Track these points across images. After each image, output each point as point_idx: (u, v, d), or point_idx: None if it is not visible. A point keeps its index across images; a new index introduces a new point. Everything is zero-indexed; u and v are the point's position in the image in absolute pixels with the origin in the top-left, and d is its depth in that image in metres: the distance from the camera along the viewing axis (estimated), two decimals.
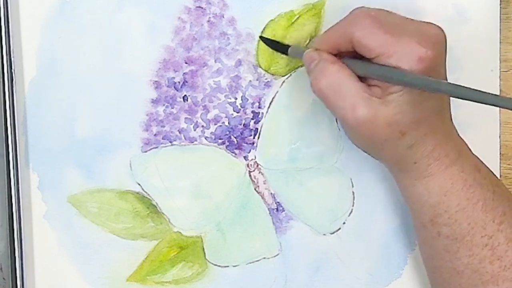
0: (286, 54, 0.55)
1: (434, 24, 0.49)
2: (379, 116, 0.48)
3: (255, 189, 0.59)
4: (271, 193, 0.59)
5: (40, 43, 0.56)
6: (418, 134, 0.49)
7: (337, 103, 0.49)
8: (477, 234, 0.50)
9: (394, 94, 0.48)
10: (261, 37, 0.57)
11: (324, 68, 0.50)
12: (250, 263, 0.59)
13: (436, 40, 0.48)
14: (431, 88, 0.46)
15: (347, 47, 0.50)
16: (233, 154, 0.58)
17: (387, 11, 0.50)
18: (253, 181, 0.59)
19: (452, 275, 0.52)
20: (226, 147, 0.58)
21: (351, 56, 0.50)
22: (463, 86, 0.44)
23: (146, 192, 0.57)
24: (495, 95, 0.43)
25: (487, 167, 0.53)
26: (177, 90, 0.57)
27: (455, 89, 0.45)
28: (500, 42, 0.60)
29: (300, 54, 0.53)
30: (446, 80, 0.51)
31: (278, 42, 0.56)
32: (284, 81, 0.58)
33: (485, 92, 0.43)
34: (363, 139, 0.51)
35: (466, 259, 0.51)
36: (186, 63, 0.57)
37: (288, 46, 0.55)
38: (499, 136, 0.60)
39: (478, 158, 0.52)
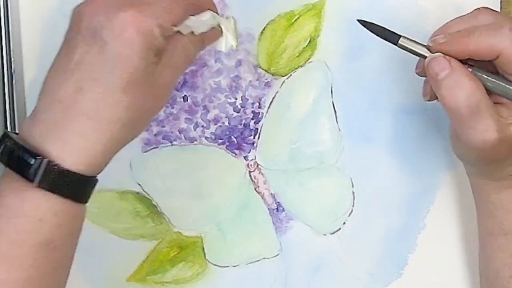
0: (394, 43, 0.50)
1: None
2: (504, 139, 0.47)
3: (255, 189, 0.59)
4: (271, 193, 0.59)
5: (40, 43, 0.56)
6: None
7: (470, 123, 0.47)
8: None
9: None
10: (360, 20, 0.51)
11: (461, 83, 0.47)
12: (250, 263, 0.59)
13: None
14: None
15: (481, 57, 0.48)
16: (233, 154, 0.58)
17: None
18: (253, 181, 0.59)
19: None
20: (226, 147, 0.58)
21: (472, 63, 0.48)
22: None
23: (146, 192, 0.57)
24: None
25: None
26: (177, 90, 0.57)
27: None
28: None
29: (414, 51, 0.50)
30: None
31: (385, 29, 0.51)
32: (284, 81, 0.58)
33: None
34: (475, 157, 0.50)
35: None
36: None
37: (399, 36, 0.50)
38: None
39: None
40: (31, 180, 0.41)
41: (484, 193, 0.53)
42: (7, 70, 0.55)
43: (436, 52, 0.49)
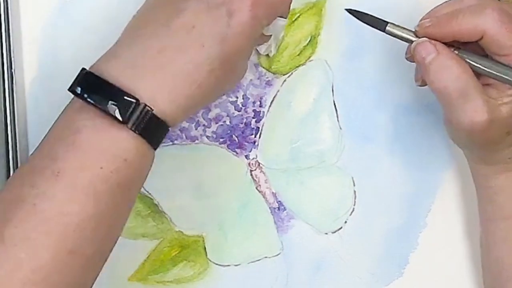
0: (382, 30, 0.51)
1: None
2: (494, 120, 0.48)
3: (256, 188, 0.59)
4: (273, 192, 0.59)
5: (40, 43, 0.55)
6: None
7: (458, 105, 0.48)
8: None
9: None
10: (348, 9, 0.52)
11: (446, 66, 0.48)
12: (252, 262, 0.59)
13: None
14: None
15: (465, 39, 0.48)
16: (234, 153, 0.58)
17: None
18: (254, 180, 0.59)
19: None
20: (227, 146, 0.58)
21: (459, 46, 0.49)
22: None
23: (147, 192, 0.57)
24: None
25: None
26: None
27: None
28: None
29: (402, 36, 0.50)
30: None
31: (372, 16, 0.51)
32: (285, 80, 0.58)
33: None
34: (467, 139, 0.50)
35: None
36: None
37: (386, 22, 0.51)
38: None
39: None
40: (124, 122, 0.42)
41: (482, 178, 0.53)
42: (7, 70, 0.54)
43: (422, 36, 0.49)
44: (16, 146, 0.55)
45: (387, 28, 0.50)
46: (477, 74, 0.49)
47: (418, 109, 0.59)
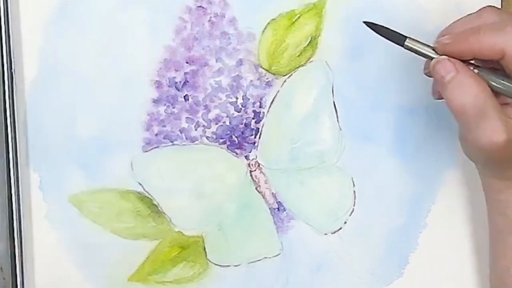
0: (400, 44, 0.50)
1: None
2: None
3: (256, 188, 0.59)
4: (272, 193, 0.59)
5: (40, 43, 0.55)
6: None
7: (475, 125, 0.47)
8: None
9: None
10: (365, 22, 0.51)
11: (465, 85, 0.47)
12: (252, 262, 0.59)
13: None
14: None
15: (485, 57, 0.48)
16: (234, 154, 0.58)
17: None
18: (254, 180, 0.59)
19: None
20: (227, 146, 0.58)
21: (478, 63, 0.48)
22: None
23: (147, 192, 0.57)
24: None
25: None
26: (178, 90, 0.57)
27: None
28: None
29: (420, 52, 0.50)
30: None
31: (390, 30, 0.50)
32: (285, 81, 0.58)
33: None
34: (483, 157, 0.50)
35: None
36: (187, 62, 0.57)
37: (405, 37, 0.50)
38: None
39: None
40: None
41: (494, 192, 0.53)
42: (7, 70, 0.54)
43: (441, 53, 0.49)
44: (16, 146, 0.55)
45: (406, 43, 0.50)
46: (496, 93, 0.48)
47: (418, 109, 0.59)
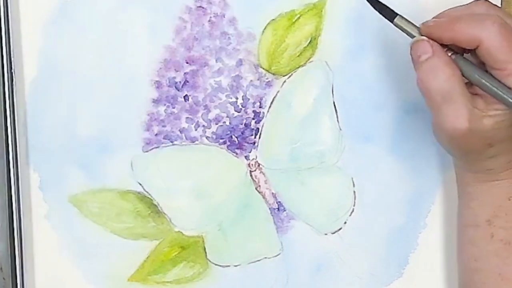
0: (390, 20, 0.51)
1: None
2: (477, 130, 0.48)
3: (256, 188, 0.59)
4: (272, 193, 0.59)
5: (40, 43, 0.55)
6: (503, 147, 0.49)
7: (441, 109, 0.48)
8: None
9: (499, 111, 0.48)
10: None
11: (437, 68, 0.48)
12: (251, 262, 0.59)
13: None
14: None
15: (462, 44, 0.48)
16: (234, 154, 0.58)
17: None
18: (254, 180, 0.59)
19: (497, 281, 0.52)
20: (227, 147, 0.58)
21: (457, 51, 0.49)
22: None
23: (147, 192, 0.57)
24: None
25: None
26: (178, 90, 0.57)
27: None
28: None
29: (407, 31, 0.50)
30: None
31: (383, 5, 0.51)
32: (285, 81, 0.58)
33: None
34: (448, 144, 0.50)
35: None
36: (187, 62, 0.57)
37: (396, 14, 0.51)
38: None
39: None
40: None
41: (463, 184, 0.54)
42: (7, 70, 0.54)
43: (424, 34, 0.49)
44: (16, 146, 0.55)
45: (395, 20, 0.51)
46: (470, 83, 0.49)
47: (418, 109, 0.59)
